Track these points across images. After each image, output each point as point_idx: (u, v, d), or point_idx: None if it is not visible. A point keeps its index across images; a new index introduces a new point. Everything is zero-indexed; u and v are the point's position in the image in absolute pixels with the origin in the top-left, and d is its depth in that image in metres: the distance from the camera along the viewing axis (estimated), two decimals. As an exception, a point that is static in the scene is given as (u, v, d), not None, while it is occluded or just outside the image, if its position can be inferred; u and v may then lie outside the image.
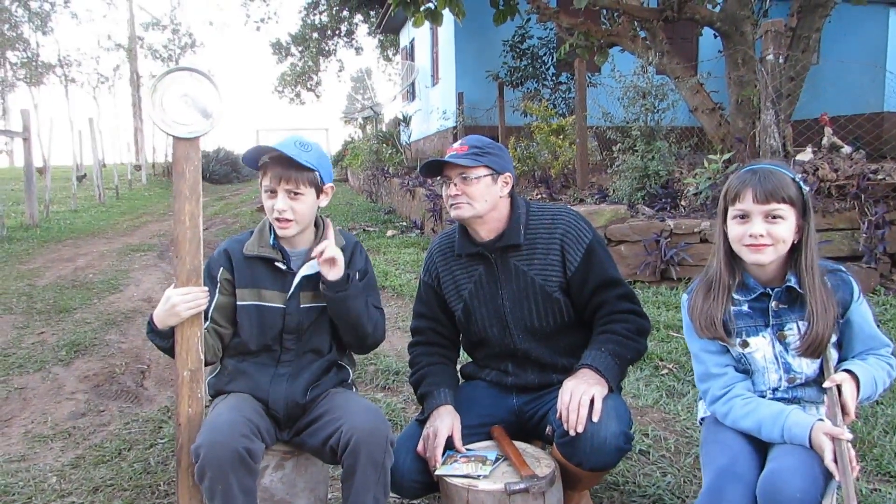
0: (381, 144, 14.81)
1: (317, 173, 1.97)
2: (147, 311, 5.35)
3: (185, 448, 1.79)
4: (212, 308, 1.98)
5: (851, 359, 1.72)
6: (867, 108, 8.11)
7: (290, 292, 2.00)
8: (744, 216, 1.67)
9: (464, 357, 2.43)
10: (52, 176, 13.11)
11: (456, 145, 2.10)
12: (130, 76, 37.72)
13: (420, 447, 2.01)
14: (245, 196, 18.33)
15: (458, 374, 2.35)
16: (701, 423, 1.97)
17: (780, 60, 5.13)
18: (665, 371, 3.62)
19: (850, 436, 1.52)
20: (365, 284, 2.08)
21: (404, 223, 10.15)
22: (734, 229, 1.70)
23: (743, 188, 1.66)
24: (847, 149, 6.38)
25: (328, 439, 1.87)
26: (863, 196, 5.13)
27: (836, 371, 1.68)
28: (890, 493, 2.31)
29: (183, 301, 1.79)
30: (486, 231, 2.12)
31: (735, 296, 1.77)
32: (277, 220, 1.95)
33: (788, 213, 1.65)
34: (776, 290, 1.73)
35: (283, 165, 1.93)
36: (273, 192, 1.95)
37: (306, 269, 2.00)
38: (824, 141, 6.50)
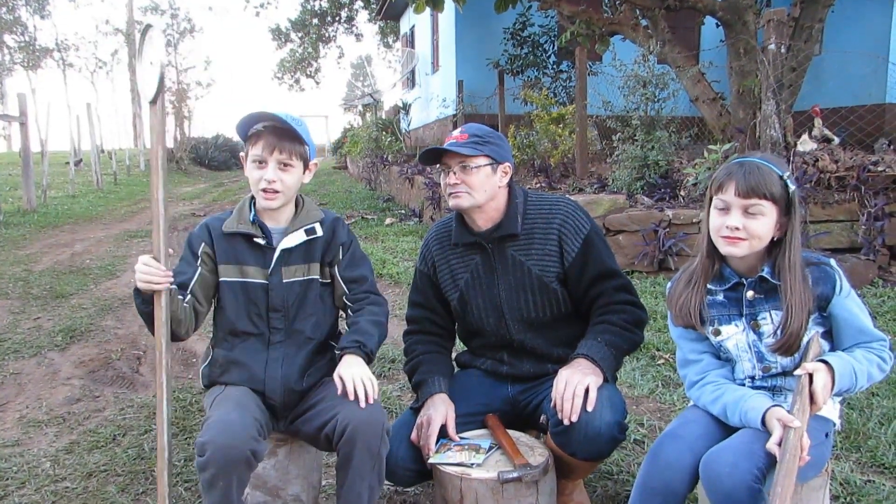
0: (380, 132, 14.75)
1: (307, 147, 1.99)
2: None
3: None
4: (192, 282, 1.98)
5: (837, 351, 1.71)
6: (869, 100, 8.07)
7: (272, 267, 2.00)
8: (724, 207, 1.68)
9: (459, 346, 2.43)
10: (49, 161, 13.06)
11: (455, 133, 2.06)
12: (129, 61, 37.58)
13: (414, 435, 2.00)
14: (244, 182, 18.26)
15: (454, 362, 2.34)
16: None
17: (782, 50, 5.10)
18: (661, 361, 3.62)
19: (799, 424, 1.51)
20: (349, 259, 2.08)
21: (403, 211, 10.12)
22: (714, 219, 1.70)
23: (727, 179, 1.67)
24: (836, 140, 6.36)
25: (323, 427, 1.87)
26: (862, 188, 5.11)
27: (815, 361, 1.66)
28: (884, 485, 2.31)
29: (139, 270, 1.75)
30: (484, 220, 2.10)
31: (710, 286, 1.78)
32: (265, 190, 1.94)
33: (769, 210, 1.64)
34: (750, 280, 1.73)
35: (278, 136, 1.93)
36: (262, 163, 1.93)
37: (286, 243, 2.00)
38: (815, 132, 6.47)
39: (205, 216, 11.32)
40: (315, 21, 26.24)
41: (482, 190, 2.03)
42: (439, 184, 2.13)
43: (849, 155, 5.55)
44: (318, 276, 2.06)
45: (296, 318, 2.03)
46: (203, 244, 2.02)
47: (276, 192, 1.94)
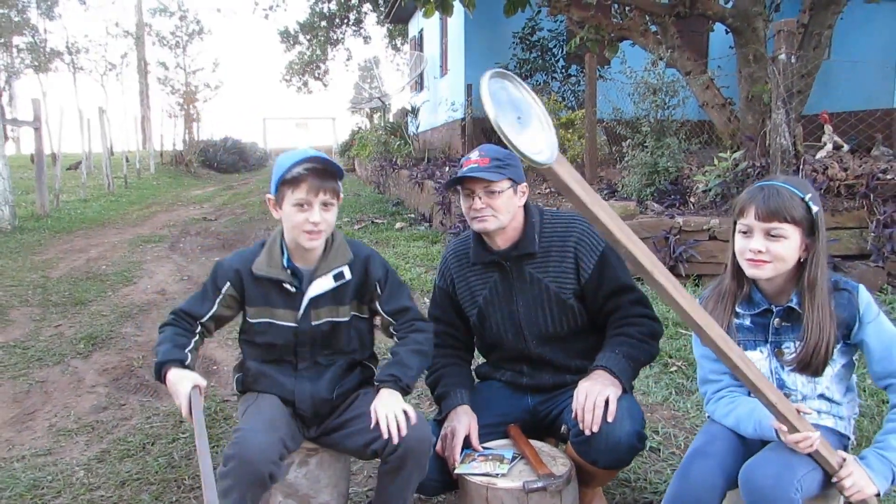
0: (388, 135, 14.81)
1: (341, 183, 2.01)
2: (161, 304, 5.42)
3: None
4: (206, 317, 2.04)
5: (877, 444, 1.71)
6: (878, 105, 8.09)
7: (301, 312, 2.02)
8: (747, 231, 1.72)
9: (478, 357, 2.49)
10: (61, 165, 13.17)
11: (475, 156, 2.11)
12: (138, 63, 37.82)
13: (438, 447, 2.07)
14: (253, 186, 18.38)
15: (473, 374, 2.41)
16: None
17: (792, 60, 5.13)
18: (674, 368, 3.67)
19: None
20: (388, 292, 2.10)
21: (413, 215, 10.18)
22: (738, 242, 1.75)
23: (748, 204, 1.71)
24: (846, 147, 6.39)
25: (371, 443, 1.91)
26: (871, 195, 5.16)
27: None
28: (893, 493, 2.36)
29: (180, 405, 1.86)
30: (503, 240, 2.17)
31: (738, 309, 1.82)
32: (310, 232, 1.93)
33: (791, 233, 1.67)
34: (779, 307, 1.77)
35: (320, 176, 1.91)
36: (305, 205, 1.91)
37: (315, 290, 2.01)
38: (825, 139, 6.50)
39: (217, 220, 11.23)
40: (323, 23, 26.39)
41: (506, 212, 2.09)
42: (451, 201, 2.17)
43: (858, 163, 5.59)
44: (346, 318, 2.07)
45: (322, 351, 2.08)
46: (229, 285, 2.05)
47: (321, 231, 1.94)
